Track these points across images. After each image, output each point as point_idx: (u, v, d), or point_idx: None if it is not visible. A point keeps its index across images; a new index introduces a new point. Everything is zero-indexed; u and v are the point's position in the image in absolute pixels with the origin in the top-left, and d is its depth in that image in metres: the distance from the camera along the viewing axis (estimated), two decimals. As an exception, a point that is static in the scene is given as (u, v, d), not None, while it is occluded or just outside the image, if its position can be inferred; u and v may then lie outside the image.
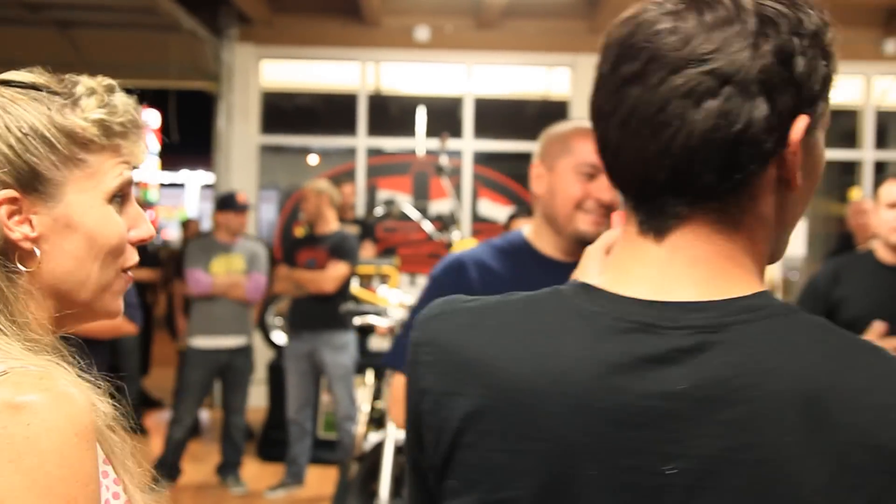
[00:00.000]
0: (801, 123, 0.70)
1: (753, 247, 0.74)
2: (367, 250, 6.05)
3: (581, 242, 1.72)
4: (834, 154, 7.86)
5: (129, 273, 0.95)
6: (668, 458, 0.67)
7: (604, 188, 1.77)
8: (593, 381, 0.69)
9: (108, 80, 0.97)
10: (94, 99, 0.93)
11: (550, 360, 0.71)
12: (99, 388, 0.89)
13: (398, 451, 3.60)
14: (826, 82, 0.74)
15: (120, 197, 0.93)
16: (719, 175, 0.69)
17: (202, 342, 4.94)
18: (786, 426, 0.65)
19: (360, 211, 7.10)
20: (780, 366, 0.67)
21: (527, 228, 1.92)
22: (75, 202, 0.89)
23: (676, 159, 0.69)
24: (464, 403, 0.73)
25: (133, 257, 0.95)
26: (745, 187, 0.71)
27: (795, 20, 0.70)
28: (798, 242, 7.52)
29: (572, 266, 1.67)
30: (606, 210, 1.79)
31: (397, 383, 1.97)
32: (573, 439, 0.69)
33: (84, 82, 0.95)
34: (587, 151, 1.76)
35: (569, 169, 1.79)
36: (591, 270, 0.97)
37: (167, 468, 4.91)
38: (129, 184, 0.94)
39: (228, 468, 5.05)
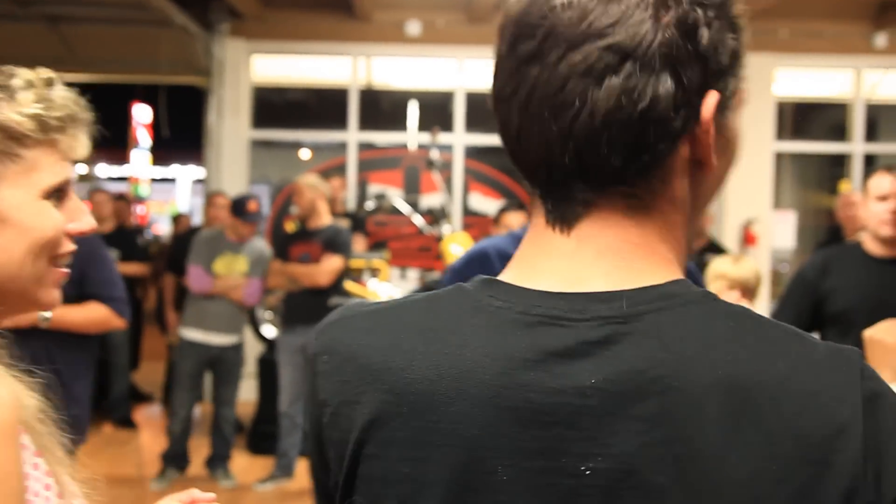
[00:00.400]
0: (711, 99, 0.66)
1: (668, 233, 0.69)
2: (358, 244, 6.05)
3: None
4: (824, 147, 7.89)
5: (63, 268, 0.95)
6: (583, 458, 0.62)
7: None
8: (498, 378, 0.64)
9: (48, 73, 0.94)
10: (32, 93, 0.91)
11: (452, 359, 0.66)
12: (28, 381, 0.88)
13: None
14: (735, 56, 0.69)
15: (58, 192, 0.91)
16: (626, 157, 0.65)
17: (194, 335, 4.95)
18: (707, 418, 0.60)
19: (351, 205, 7.10)
20: (698, 355, 0.62)
21: None
22: (9, 197, 0.88)
23: (580, 141, 0.65)
24: (363, 411, 0.68)
25: (68, 247, 0.93)
26: (656, 169, 0.66)
27: None
28: (788, 235, 7.56)
29: None
30: None
31: None
32: (480, 442, 0.64)
33: (22, 75, 0.93)
34: None
35: None
36: None
37: (175, 459, 4.98)
38: (67, 180, 0.92)
39: (218, 461, 5.05)
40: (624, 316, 0.64)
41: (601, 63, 0.63)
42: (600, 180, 0.66)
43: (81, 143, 0.94)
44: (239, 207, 4.99)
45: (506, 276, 0.71)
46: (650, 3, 0.64)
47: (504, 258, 1.81)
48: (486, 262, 1.72)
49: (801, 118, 7.99)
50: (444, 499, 0.64)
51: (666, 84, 0.64)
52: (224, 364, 5.01)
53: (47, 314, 2.87)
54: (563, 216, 0.69)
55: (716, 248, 5.30)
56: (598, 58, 0.63)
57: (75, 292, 2.99)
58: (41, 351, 2.91)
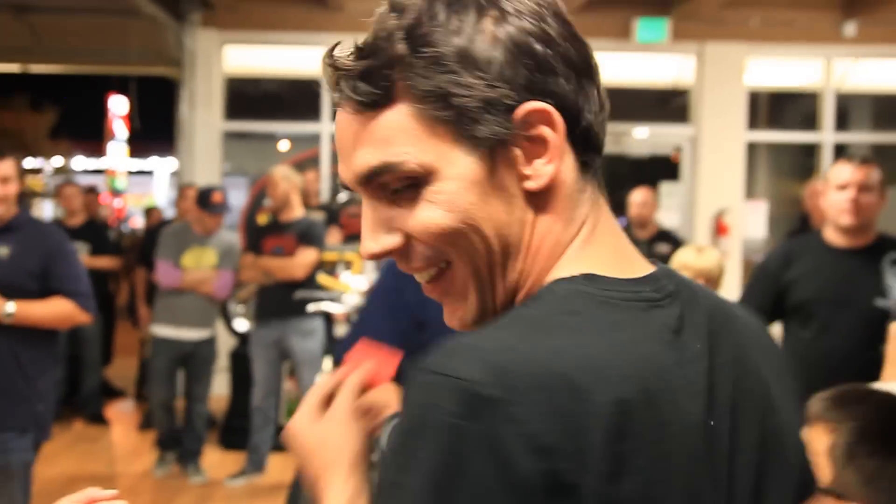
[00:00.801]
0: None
1: None
2: (333, 236, 6.03)
3: None
4: (795, 136, 7.93)
5: None
6: (706, 412, 0.71)
7: None
8: (674, 362, 0.71)
9: None
10: None
11: (634, 355, 0.67)
12: None
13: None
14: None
15: None
16: None
17: (166, 331, 4.91)
18: (754, 350, 0.79)
19: (325, 197, 7.07)
20: (724, 316, 0.80)
21: None
22: None
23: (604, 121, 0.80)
24: (600, 434, 0.62)
25: None
26: None
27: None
28: (760, 225, 7.61)
29: None
30: None
31: None
32: (697, 426, 0.70)
33: None
34: None
35: None
36: None
37: (170, 442, 5.00)
38: None
39: (189, 457, 5.02)
40: (675, 291, 0.75)
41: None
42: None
43: None
44: (204, 199, 4.94)
45: (589, 260, 0.74)
46: None
47: None
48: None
49: (773, 108, 8.04)
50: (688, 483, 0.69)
51: None
52: (196, 359, 4.97)
53: (10, 309, 2.85)
54: (599, 182, 0.77)
55: (667, 237, 5.31)
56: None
57: (39, 287, 2.97)
58: (5, 346, 2.90)
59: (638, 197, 5.29)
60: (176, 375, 5.04)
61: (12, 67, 8.10)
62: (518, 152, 0.71)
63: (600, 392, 0.62)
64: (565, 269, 0.73)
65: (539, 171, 0.71)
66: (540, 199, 0.73)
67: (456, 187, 0.70)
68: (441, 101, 0.69)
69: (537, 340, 0.64)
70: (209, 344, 5.00)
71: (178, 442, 5.02)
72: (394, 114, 0.71)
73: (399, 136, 0.70)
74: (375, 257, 0.76)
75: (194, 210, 5.05)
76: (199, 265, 4.90)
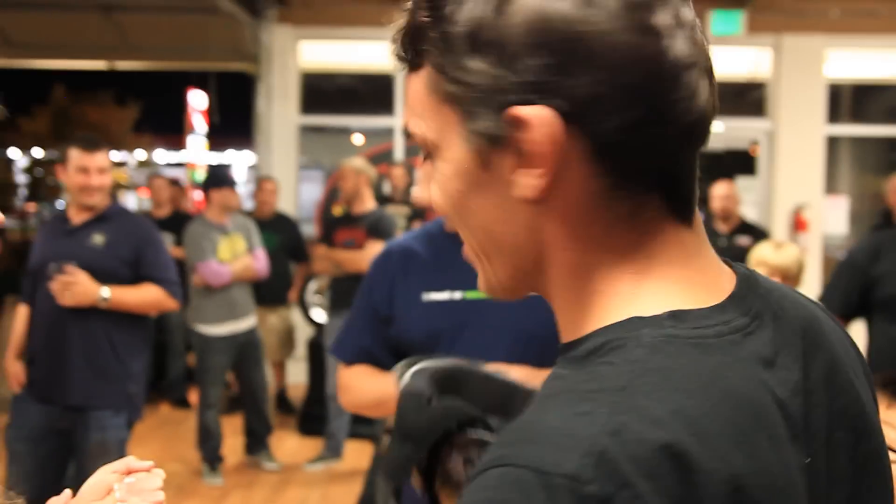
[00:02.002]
0: None
1: None
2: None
3: None
4: (878, 130, 7.71)
5: None
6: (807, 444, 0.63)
7: None
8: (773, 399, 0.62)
9: None
10: None
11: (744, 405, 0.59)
12: None
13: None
14: None
15: None
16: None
17: (221, 329, 4.86)
18: (847, 363, 0.70)
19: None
20: (819, 332, 0.69)
21: None
22: None
23: (704, 120, 0.67)
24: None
25: None
26: None
27: None
28: (840, 220, 7.43)
29: None
30: None
31: (344, 373, 1.89)
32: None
33: None
34: None
35: None
36: None
37: (215, 455, 4.96)
38: None
39: (259, 444, 5.14)
40: (760, 311, 0.65)
41: (708, 64, 0.64)
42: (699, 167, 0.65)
43: None
44: (225, 178, 4.99)
45: (675, 298, 0.62)
46: None
47: (405, 254, 1.83)
48: (384, 263, 1.87)
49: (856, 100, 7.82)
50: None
51: None
52: (250, 347, 5.01)
53: (106, 294, 3.01)
54: (688, 208, 0.64)
55: (750, 229, 5.24)
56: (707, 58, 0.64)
57: (131, 274, 3.12)
58: (100, 329, 3.06)
59: (721, 190, 5.25)
60: (226, 372, 5.08)
61: (99, 64, 8.42)
62: (508, 156, 0.62)
63: (714, 469, 0.53)
64: (637, 305, 0.61)
65: (522, 182, 0.61)
66: (544, 208, 0.63)
67: (448, 172, 0.66)
68: (449, 81, 0.63)
69: (633, 409, 0.53)
70: (256, 330, 5.08)
71: (218, 455, 4.97)
72: (418, 81, 0.67)
73: (418, 104, 0.67)
74: (424, 204, 0.76)
75: (214, 194, 4.89)
76: (234, 254, 4.89)
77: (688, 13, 0.62)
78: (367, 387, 1.86)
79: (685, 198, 0.64)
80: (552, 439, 0.52)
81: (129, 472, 1.08)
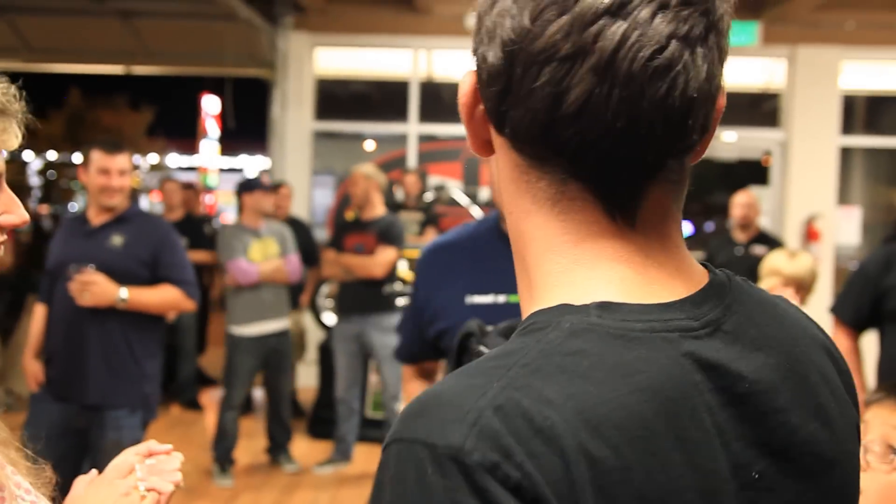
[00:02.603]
0: (723, 97, 0.67)
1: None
2: (430, 237, 6.12)
3: None
4: (891, 141, 7.70)
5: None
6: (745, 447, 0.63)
7: None
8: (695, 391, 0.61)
9: None
10: None
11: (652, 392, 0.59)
12: None
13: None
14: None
15: None
16: (698, 136, 0.65)
17: (250, 330, 4.91)
18: (818, 388, 0.67)
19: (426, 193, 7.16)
20: (780, 336, 0.68)
21: None
22: None
23: (672, 114, 0.61)
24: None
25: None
26: (692, 153, 0.67)
27: None
28: (853, 231, 7.42)
29: None
30: None
31: (407, 374, 2.09)
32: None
33: None
34: None
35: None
36: None
37: (227, 456, 4.98)
38: None
39: (279, 448, 5.18)
40: (719, 318, 0.64)
41: (696, 30, 0.58)
42: (663, 160, 0.62)
43: (10, 134, 0.89)
44: (256, 182, 5.04)
45: (604, 287, 0.63)
46: None
47: (453, 253, 1.87)
48: (426, 264, 1.92)
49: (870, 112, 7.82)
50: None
51: (721, 67, 0.62)
52: (279, 351, 5.04)
53: (124, 295, 3.04)
54: (625, 205, 0.62)
55: (766, 239, 5.25)
56: (695, 23, 0.58)
57: (149, 275, 3.16)
58: (118, 330, 3.10)
59: (742, 198, 5.27)
60: (254, 376, 5.09)
61: (116, 69, 8.49)
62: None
63: (599, 458, 0.54)
64: (569, 292, 0.62)
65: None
66: (497, 174, 0.69)
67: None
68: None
69: (527, 386, 0.55)
70: (287, 336, 5.10)
71: (228, 462, 4.97)
72: None
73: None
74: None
75: (246, 198, 4.96)
76: (266, 257, 4.94)
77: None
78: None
79: (618, 195, 0.62)
80: (441, 412, 0.55)
81: (150, 455, 1.14)
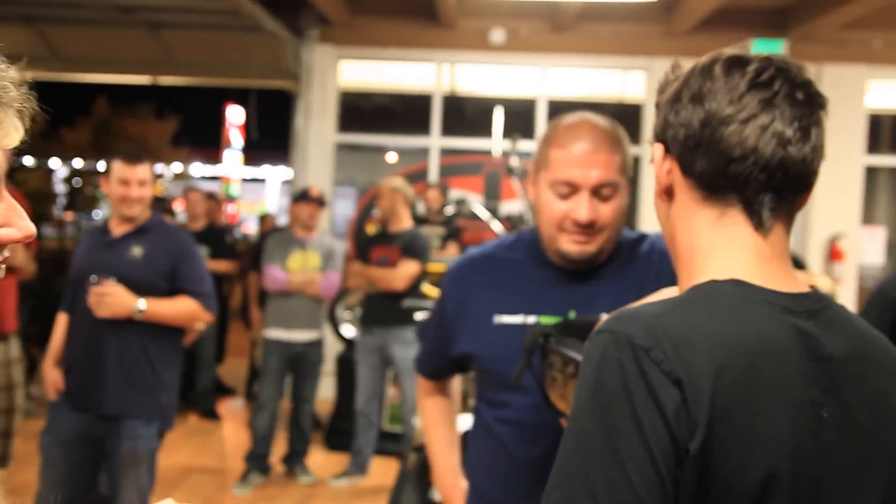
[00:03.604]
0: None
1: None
2: (451, 250, 6.13)
3: (568, 260, 1.67)
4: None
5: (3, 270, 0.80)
6: (821, 405, 0.91)
7: (582, 206, 1.61)
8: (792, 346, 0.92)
9: None
10: None
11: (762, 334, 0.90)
12: None
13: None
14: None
15: None
16: (803, 188, 0.98)
17: (277, 334, 5.06)
18: (885, 377, 0.95)
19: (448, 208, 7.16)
20: (860, 336, 0.97)
21: None
22: None
23: (806, 162, 0.97)
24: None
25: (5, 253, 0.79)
26: (798, 204, 1.00)
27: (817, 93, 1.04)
28: (877, 251, 7.33)
29: (565, 272, 1.70)
30: (587, 228, 1.63)
31: (422, 386, 2.02)
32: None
33: None
34: (564, 165, 1.62)
35: (546, 185, 1.65)
36: None
37: (258, 460, 5.01)
38: None
39: (295, 457, 5.19)
40: (817, 310, 0.95)
41: (804, 124, 0.98)
42: (793, 195, 0.97)
43: (8, 127, 0.74)
44: (303, 193, 5.12)
45: (740, 274, 0.95)
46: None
47: (484, 269, 1.77)
48: (460, 279, 1.79)
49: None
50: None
51: (819, 153, 0.99)
52: (305, 361, 5.10)
53: (142, 306, 3.06)
54: (764, 223, 0.96)
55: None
56: (803, 119, 0.98)
57: (167, 286, 3.18)
58: (135, 340, 3.11)
59: None
60: (285, 377, 5.18)
61: (143, 79, 8.58)
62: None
63: (709, 356, 0.86)
64: (717, 272, 0.95)
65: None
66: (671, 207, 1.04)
67: None
68: None
69: (681, 314, 0.90)
70: (317, 346, 5.14)
71: (265, 464, 5.05)
72: None
73: None
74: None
75: (293, 208, 5.17)
76: (305, 268, 5.03)
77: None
78: (428, 435, 2.00)
79: (758, 214, 0.96)
80: (629, 319, 0.90)
81: None
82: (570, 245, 1.65)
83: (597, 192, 1.62)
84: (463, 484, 1.92)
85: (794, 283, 0.96)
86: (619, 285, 1.68)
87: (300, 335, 5.06)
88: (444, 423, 1.99)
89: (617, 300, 1.62)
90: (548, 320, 1.64)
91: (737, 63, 0.97)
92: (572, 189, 1.62)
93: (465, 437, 1.94)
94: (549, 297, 1.69)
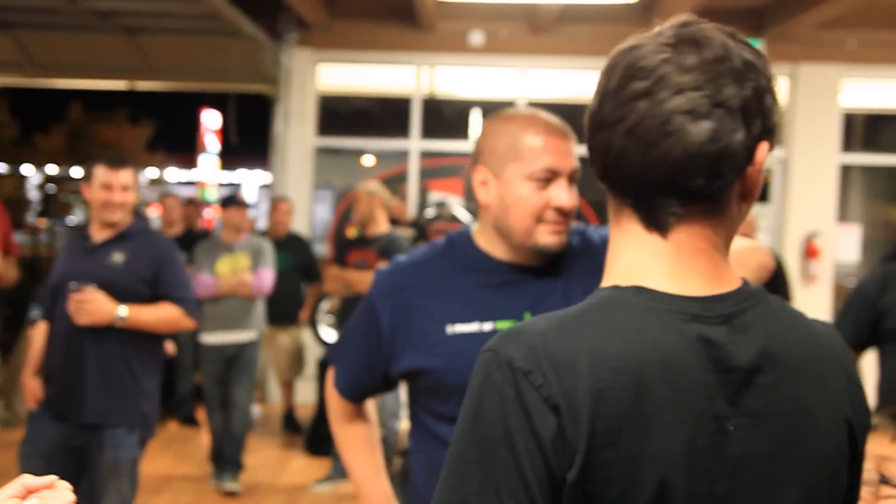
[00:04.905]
0: (763, 148, 0.88)
1: (727, 241, 0.92)
2: None
3: (542, 254, 1.62)
4: (891, 159, 7.72)
5: None
6: (726, 419, 0.85)
7: (563, 192, 1.58)
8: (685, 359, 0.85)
9: None
10: None
11: (652, 350, 0.84)
12: None
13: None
14: (776, 120, 0.90)
15: None
16: (707, 181, 0.85)
17: (211, 338, 5.09)
18: (804, 382, 0.88)
19: (412, 212, 7.19)
20: (787, 337, 0.89)
21: (474, 227, 1.73)
22: None
23: (675, 165, 0.85)
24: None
25: None
26: (723, 194, 0.87)
27: (764, 66, 0.89)
28: (852, 248, 7.41)
29: (522, 269, 1.64)
30: (565, 215, 1.60)
31: (336, 403, 1.87)
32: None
33: None
34: (541, 153, 1.57)
35: (520, 177, 1.58)
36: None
37: (225, 461, 5.00)
38: None
39: (227, 464, 5.03)
40: (732, 314, 0.87)
41: (700, 107, 0.84)
42: (686, 197, 0.87)
43: None
44: (231, 199, 5.22)
45: (645, 279, 0.89)
46: (737, 70, 0.86)
47: (423, 275, 1.65)
48: (398, 293, 1.67)
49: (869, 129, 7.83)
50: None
51: (739, 131, 0.85)
52: (239, 361, 5.09)
53: (123, 313, 3.03)
54: (658, 223, 0.88)
55: None
56: (698, 103, 0.84)
57: (149, 293, 3.14)
58: (116, 348, 3.08)
59: None
60: (221, 381, 5.18)
61: (120, 84, 8.51)
62: None
63: (591, 378, 0.81)
64: (625, 279, 0.89)
65: None
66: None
67: None
68: None
69: (569, 331, 0.84)
70: (253, 346, 5.14)
71: (235, 467, 5.03)
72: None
73: None
74: None
75: (223, 214, 5.22)
76: (235, 270, 5.08)
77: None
78: (352, 462, 1.85)
79: (651, 217, 0.89)
80: (517, 338, 0.85)
81: (28, 493, 0.95)
82: (548, 237, 1.59)
83: (571, 179, 1.61)
84: None
85: (715, 281, 0.88)
86: (566, 280, 1.64)
87: (234, 336, 5.08)
88: (368, 449, 1.86)
89: (567, 296, 1.60)
90: (504, 325, 1.58)
91: None
92: (552, 176, 1.58)
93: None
94: (501, 301, 1.62)
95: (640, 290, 0.87)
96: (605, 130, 0.88)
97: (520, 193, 1.59)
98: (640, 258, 0.90)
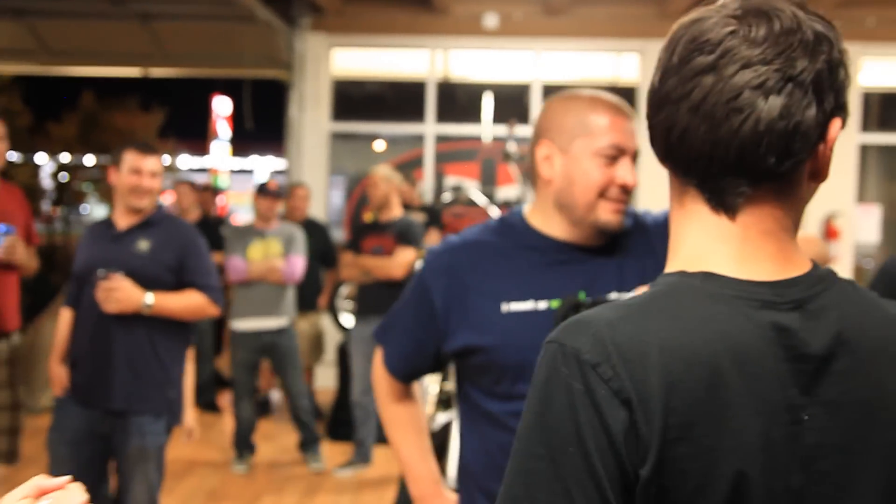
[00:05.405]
0: (836, 125, 0.84)
1: (796, 223, 0.88)
2: (433, 237, 6.12)
3: (601, 231, 1.63)
4: (913, 140, 7.64)
5: None
6: (801, 408, 0.82)
7: (628, 171, 1.61)
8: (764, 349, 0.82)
9: None
10: None
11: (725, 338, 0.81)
12: None
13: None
14: (847, 95, 0.87)
15: None
16: (778, 159, 0.82)
17: (243, 324, 5.09)
18: (883, 369, 0.84)
19: (428, 197, 7.17)
20: (862, 321, 0.86)
21: (526, 208, 1.73)
22: None
23: (744, 142, 0.81)
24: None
25: None
26: (794, 173, 0.84)
27: (836, 38, 0.85)
28: (872, 229, 7.36)
29: (577, 248, 1.65)
30: (627, 194, 1.62)
31: (388, 391, 1.88)
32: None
33: None
34: (609, 130, 1.60)
35: (588, 152, 1.60)
36: None
37: (242, 445, 5.12)
38: None
39: (305, 446, 5.21)
40: (804, 299, 0.84)
41: (770, 82, 0.80)
42: (756, 176, 0.83)
43: None
44: (261, 188, 5.20)
45: (711, 263, 0.86)
46: (809, 42, 0.82)
47: (479, 253, 1.66)
48: (452, 259, 1.68)
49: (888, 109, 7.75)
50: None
51: (811, 107, 0.81)
52: (277, 352, 5.11)
53: (149, 300, 3.03)
54: (725, 204, 0.85)
55: None
56: (768, 77, 0.80)
57: (174, 280, 3.15)
58: (143, 335, 3.08)
59: None
60: (258, 368, 5.24)
61: (133, 71, 8.51)
62: None
63: (663, 370, 0.78)
64: (691, 263, 0.86)
65: None
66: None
67: None
68: None
69: (637, 320, 0.81)
70: (286, 334, 5.13)
71: (249, 448, 5.14)
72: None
73: None
74: None
75: (255, 201, 5.22)
76: (266, 256, 5.07)
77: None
78: (400, 443, 1.86)
79: (719, 198, 0.85)
80: (583, 329, 0.82)
81: (41, 494, 0.94)
82: (610, 215, 1.61)
83: (634, 159, 1.64)
84: (450, 495, 1.82)
85: (785, 265, 0.85)
86: (620, 260, 1.66)
87: (266, 323, 5.08)
88: (416, 430, 1.85)
89: (620, 276, 1.63)
90: (558, 304, 1.59)
91: None
92: (618, 154, 1.60)
93: (438, 438, 1.80)
94: (555, 279, 1.63)
95: (708, 276, 0.84)
96: (667, 107, 0.85)
97: (586, 168, 1.61)
98: (706, 241, 0.86)
